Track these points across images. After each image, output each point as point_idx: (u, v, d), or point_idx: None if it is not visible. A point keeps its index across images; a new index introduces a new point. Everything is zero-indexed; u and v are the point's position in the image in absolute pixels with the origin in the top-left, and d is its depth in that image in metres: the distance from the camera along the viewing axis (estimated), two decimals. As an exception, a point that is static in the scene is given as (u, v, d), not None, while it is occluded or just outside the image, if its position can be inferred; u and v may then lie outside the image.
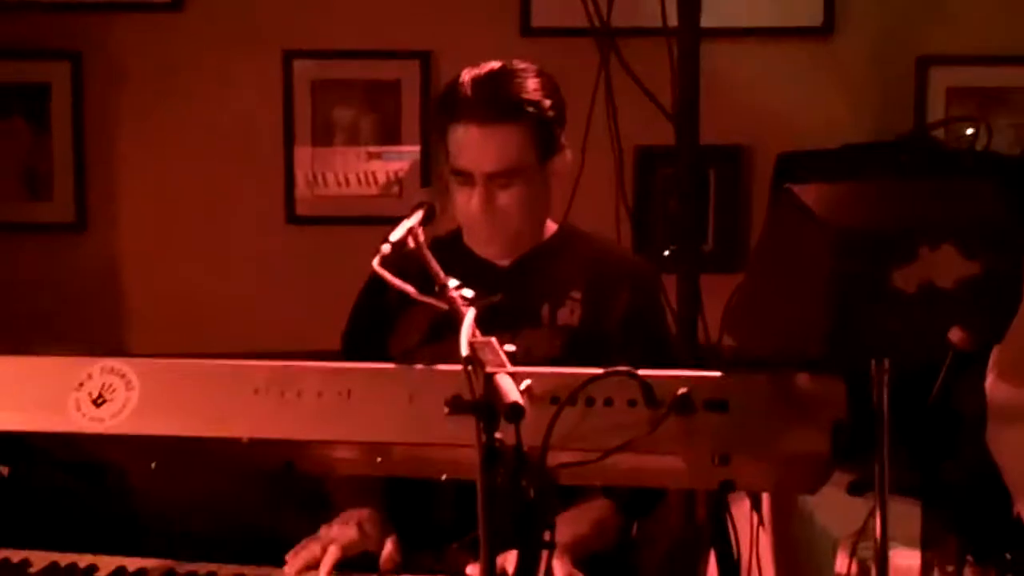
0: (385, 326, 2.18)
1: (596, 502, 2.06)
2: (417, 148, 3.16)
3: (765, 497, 2.33)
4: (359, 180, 3.18)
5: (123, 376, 1.66)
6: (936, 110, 3.11)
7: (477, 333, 1.44)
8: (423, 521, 2.11)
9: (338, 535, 1.95)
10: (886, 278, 1.34)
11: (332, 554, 1.91)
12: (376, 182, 3.18)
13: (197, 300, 3.18)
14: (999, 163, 2.59)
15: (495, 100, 2.08)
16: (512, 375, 1.35)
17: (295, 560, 1.92)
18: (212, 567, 1.83)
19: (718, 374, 1.51)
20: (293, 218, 3.21)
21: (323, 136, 3.18)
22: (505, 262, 2.21)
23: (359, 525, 1.98)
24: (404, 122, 3.17)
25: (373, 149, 3.18)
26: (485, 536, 1.32)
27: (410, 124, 3.16)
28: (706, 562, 2.29)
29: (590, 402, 1.49)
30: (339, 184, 3.19)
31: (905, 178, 2.44)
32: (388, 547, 1.95)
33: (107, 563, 1.85)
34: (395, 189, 3.16)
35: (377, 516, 2.02)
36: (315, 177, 3.19)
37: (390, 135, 3.17)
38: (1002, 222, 1.41)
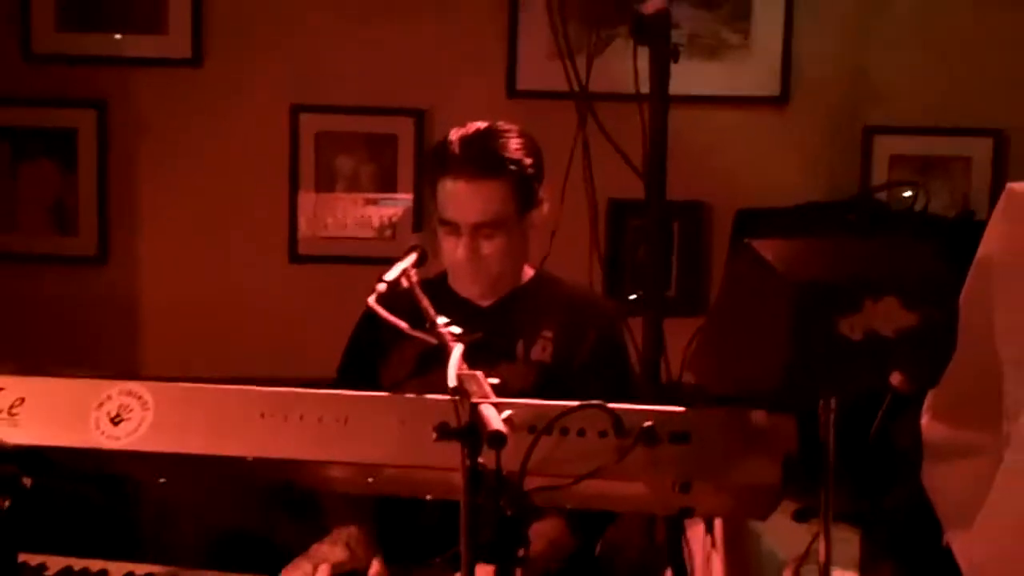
0: (377, 358, 2.18)
1: (550, 521, 2.06)
2: (410, 196, 3.16)
3: (717, 522, 2.32)
4: (357, 223, 3.18)
5: (139, 397, 1.67)
6: (880, 174, 3.11)
7: (464, 366, 1.45)
8: (409, 537, 2.09)
9: (328, 554, 1.95)
10: (834, 326, 1.34)
11: (323, 572, 1.90)
12: (372, 226, 3.17)
13: (208, 329, 3.17)
14: (936, 224, 2.62)
15: (481, 158, 2.10)
16: (495, 405, 1.35)
17: None
18: (214, 574, 1.81)
19: (681, 409, 1.52)
20: (296, 257, 3.19)
21: (325, 183, 3.18)
22: (486, 303, 2.21)
23: (347, 544, 1.98)
24: (399, 172, 3.16)
25: (370, 196, 3.18)
26: (466, 551, 1.32)
27: (405, 174, 3.16)
28: (664, 579, 2.29)
29: (564, 432, 1.50)
30: (339, 227, 3.18)
31: (852, 236, 2.46)
32: (375, 567, 1.95)
33: (117, 568, 1.84)
34: (389, 233, 3.16)
35: (365, 535, 2.02)
36: (317, 220, 3.19)
37: (386, 184, 3.17)
38: (938, 279, 1.41)
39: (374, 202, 3.18)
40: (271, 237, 3.19)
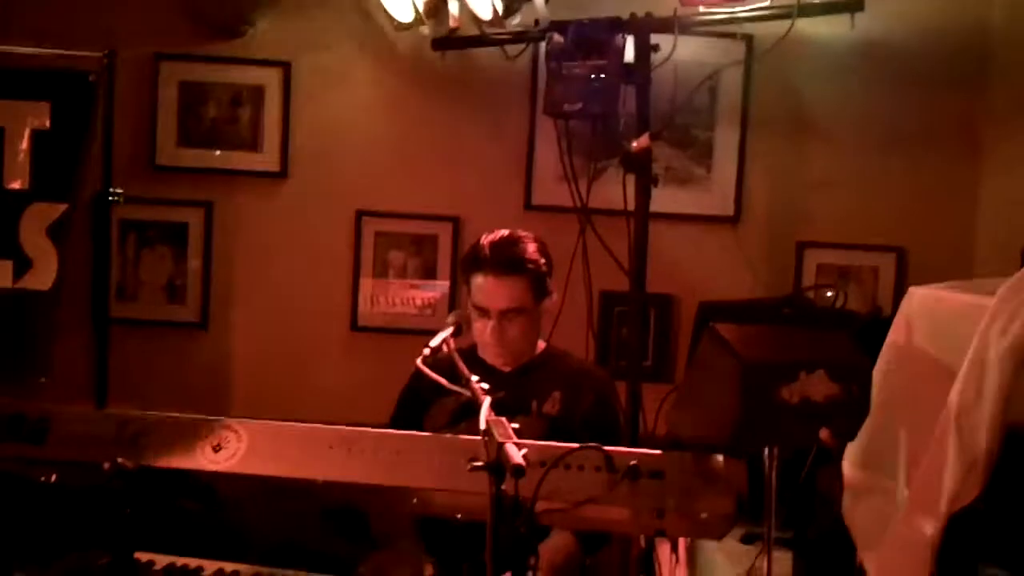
0: (421, 410, 2.18)
1: (564, 537, 2.05)
2: (447, 283, 3.15)
3: (681, 542, 2.31)
4: (404, 303, 3.17)
5: (236, 432, 1.69)
6: (808, 278, 3.11)
7: (492, 414, 1.46)
8: (440, 548, 2.08)
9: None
10: (776, 392, 1.35)
11: None
12: (416, 305, 3.17)
13: (285, 382, 3.15)
14: (852, 319, 2.63)
15: (507, 259, 2.13)
16: (515, 445, 1.37)
17: None
18: (289, 572, 1.79)
19: (658, 452, 1.53)
20: (356, 327, 3.18)
21: (380, 271, 3.18)
22: (507, 369, 2.23)
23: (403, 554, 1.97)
24: (439, 264, 3.16)
25: (415, 282, 3.17)
26: (491, 558, 1.33)
27: (443, 266, 3.16)
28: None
29: (567, 467, 1.52)
30: (390, 305, 3.17)
31: (787, 325, 2.48)
32: (428, 570, 1.96)
33: (210, 565, 1.82)
34: (429, 311, 3.14)
35: (416, 547, 2.01)
36: (373, 299, 3.18)
37: (428, 273, 3.17)
38: (855, 359, 1.42)
39: (418, 287, 3.16)
40: (337, 311, 3.17)
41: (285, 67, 3.15)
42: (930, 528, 1.34)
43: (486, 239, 2.17)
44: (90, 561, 1.66)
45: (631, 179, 2.49)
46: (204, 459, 1.66)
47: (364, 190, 3.17)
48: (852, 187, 3.14)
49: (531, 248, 2.17)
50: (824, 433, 1.42)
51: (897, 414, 1.53)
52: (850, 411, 1.40)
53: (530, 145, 3.13)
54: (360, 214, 3.17)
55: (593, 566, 2.26)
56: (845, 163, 3.14)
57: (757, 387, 1.34)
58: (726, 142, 3.13)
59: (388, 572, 1.92)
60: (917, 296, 1.54)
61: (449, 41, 2.91)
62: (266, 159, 3.16)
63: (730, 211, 3.15)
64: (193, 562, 1.84)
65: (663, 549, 2.22)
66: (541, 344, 2.30)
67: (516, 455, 1.34)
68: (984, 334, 1.29)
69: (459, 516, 1.69)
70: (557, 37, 2.53)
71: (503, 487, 1.34)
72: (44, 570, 1.65)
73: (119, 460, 1.50)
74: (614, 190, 2.51)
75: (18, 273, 2.83)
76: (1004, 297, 1.28)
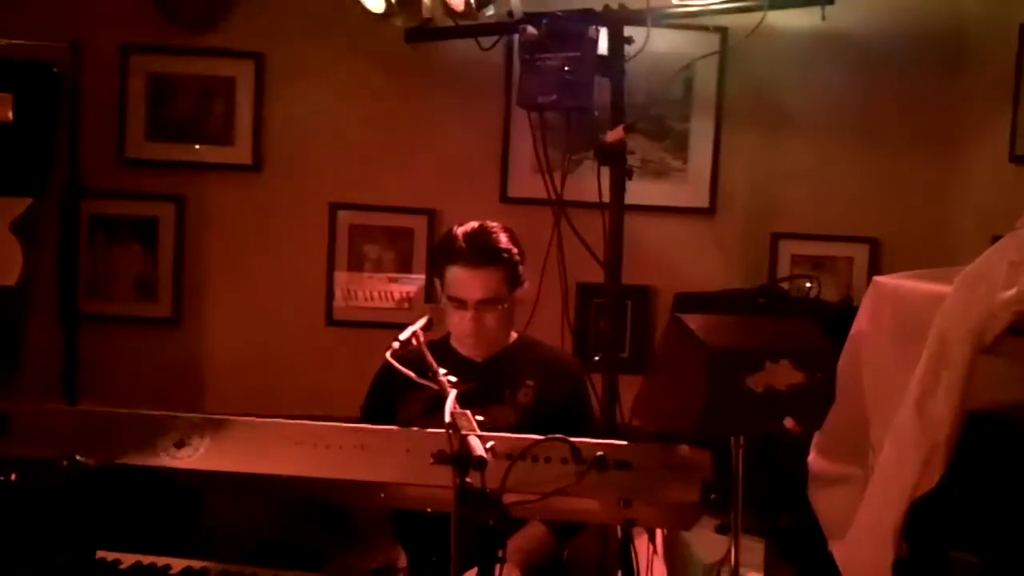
0: (394, 402, 2.18)
1: (535, 527, 2.06)
2: (423, 276, 3.14)
3: (659, 533, 2.32)
4: (380, 296, 3.16)
5: (199, 428, 1.67)
6: (783, 269, 3.12)
7: (457, 407, 1.46)
8: (413, 540, 2.08)
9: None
10: (741, 381, 1.35)
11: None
12: (392, 298, 3.16)
13: (260, 377, 3.13)
14: (824, 308, 2.64)
15: (482, 250, 2.13)
16: (480, 437, 1.36)
17: None
18: (256, 570, 1.77)
19: (625, 443, 1.54)
20: (331, 322, 3.17)
21: (356, 264, 3.16)
22: (480, 359, 2.23)
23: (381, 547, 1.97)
24: (415, 258, 3.15)
25: (391, 275, 3.16)
26: (455, 550, 1.33)
27: (419, 259, 3.15)
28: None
29: (535, 459, 1.52)
30: (366, 299, 3.16)
31: (761, 315, 2.49)
32: (403, 560, 1.97)
33: (178, 563, 1.80)
34: (406, 304, 3.14)
35: (391, 539, 2.01)
36: (348, 293, 3.16)
37: (404, 266, 3.16)
38: (822, 348, 1.42)
39: (394, 280, 3.15)
40: (312, 306, 3.15)
41: (257, 58, 3.12)
42: (893, 515, 1.34)
43: (459, 230, 2.18)
44: (52, 561, 1.64)
45: (606, 172, 2.48)
46: (167, 456, 1.64)
47: (338, 183, 3.16)
48: (826, 178, 3.16)
49: (504, 238, 2.18)
50: (789, 421, 1.41)
51: (862, 402, 1.54)
52: (815, 399, 1.40)
53: (505, 137, 3.12)
54: (334, 207, 3.15)
55: (571, 558, 2.27)
56: (819, 154, 3.16)
57: (722, 375, 1.35)
58: (701, 134, 3.14)
59: (361, 565, 1.89)
60: (881, 284, 1.55)
61: (422, 32, 2.90)
62: (238, 152, 3.13)
63: (705, 203, 3.16)
64: (160, 560, 1.82)
65: (640, 542, 2.23)
66: (514, 334, 2.31)
67: (479, 447, 1.34)
68: (943, 322, 1.30)
69: (429, 509, 1.68)
70: (531, 29, 2.52)
71: (468, 480, 1.34)
72: (5, 571, 1.63)
73: (78, 457, 1.48)
74: (589, 182, 2.51)
75: (-19, 269, 2.80)
76: (963, 284, 1.29)
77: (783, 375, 1.37)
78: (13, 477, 1.52)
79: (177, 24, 3.08)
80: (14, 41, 2.75)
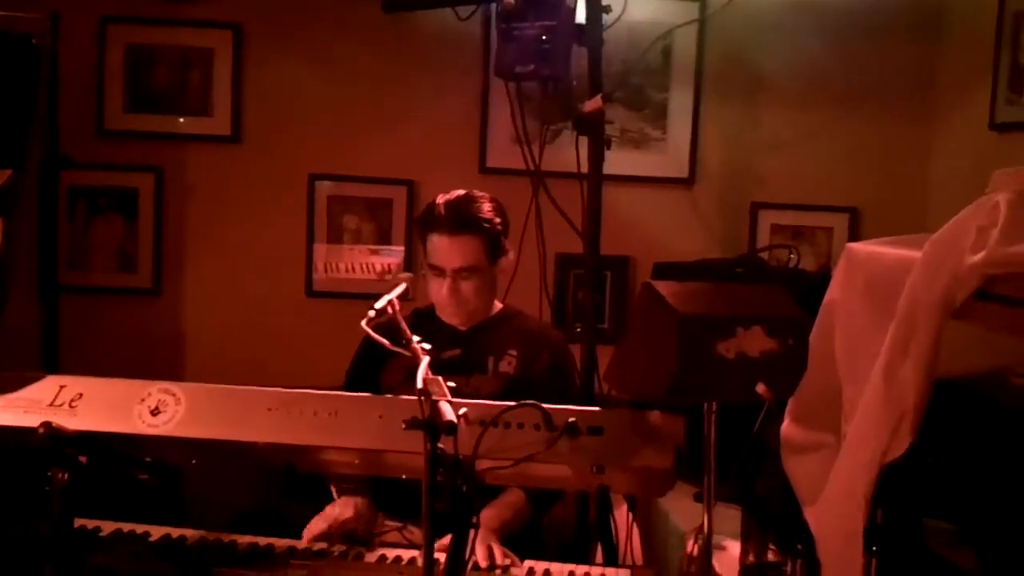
0: (377, 370, 2.17)
1: (513, 495, 2.06)
2: (402, 247, 3.14)
3: (637, 503, 2.33)
4: (360, 268, 3.16)
5: (174, 395, 1.66)
6: (763, 239, 3.13)
7: (429, 373, 1.43)
8: (389, 506, 2.09)
9: (340, 513, 1.93)
10: (713, 347, 1.32)
11: (340, 518, 1.89)
12: (373, 270, 3.15)
13: (240, 347, 3.14)
14: (801, 277, 2.64)
15: (461, 218, 2.12)
16: (452, 403, 1.35)
17: (308, 533, 1.88)
18: (234, 536, 1.80)
19: (597, 409, 1.53)
20: (312, 293, 3.17)
21: (335, 236, 3.16)
22: (464, 328, 2.23)
23: (355, 507, 1.96)
24: (394, 229, 3.15)
25: (371, 247, 3.16)
26: (427, 516, 1.32)
27: (398, 230, 3.15)
28: (595, 549, 2.28)
29: (507, 425, 1.51)
30: (346, 271, 3.16)
31: (738, 284, 2.48)
32: (380, 521, 1.99)
33: (157, 531, 1.83)
34: (387, 276, 3.13)
35: (367, 501, 2.01)
36: (328, 264, 3.16)
37: (383, 237, 3.15)
38: (791, 315, 1.40)
39: (375, 252, 3.15)
40: (292, 277, 3.16)
41: (235, 29, 3.09)
42: (863, 481, 1.34)
43: (441, 199, 2.16)
44: (31, 528, 1.63)
45: (584, 142, 2.46)
46: (141, 423, 1.62)
47: (317, 154, 3.14)
48: (806, 148, 3.16)
49: (487, 207, 2.16)
50: (762, 387, 1.39)
51: (835, 370, 1.53)
52: (787, 366, 1.38)
53: (484, 107, 3.11)
54: (313, 178, 3.14)
55: (551, 526, 2.28)
56: (799, 124, 3.15)
57: (693, 340, 1.32)
58: (680, 103, 3.13)
59: (337, 531, 1.89)
60: (854, 251, 1.54)
61: (400, 2, 2.85)
62: (217, 123, 3.12)
63: (685, 173, 3.15)
64: (140, 528, 1.83)
65: (619, 510, 2.24)
66: (498, 304, 2.31)
67: (449, 412, 1.33)
68: (912, 287, 1.29)
69: (404, 476, 1.69)
70: (508, -3, 2.48)
71: (440, 447, 1.32)
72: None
73: (52, 423, 1.46)
74: (568, 152, 2.50)
75: (-40, 241, 2.77)
76: (932, 249, 1.28)
77: (755, 341, 1.35)
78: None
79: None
80: (-9, 12, 2.70)
